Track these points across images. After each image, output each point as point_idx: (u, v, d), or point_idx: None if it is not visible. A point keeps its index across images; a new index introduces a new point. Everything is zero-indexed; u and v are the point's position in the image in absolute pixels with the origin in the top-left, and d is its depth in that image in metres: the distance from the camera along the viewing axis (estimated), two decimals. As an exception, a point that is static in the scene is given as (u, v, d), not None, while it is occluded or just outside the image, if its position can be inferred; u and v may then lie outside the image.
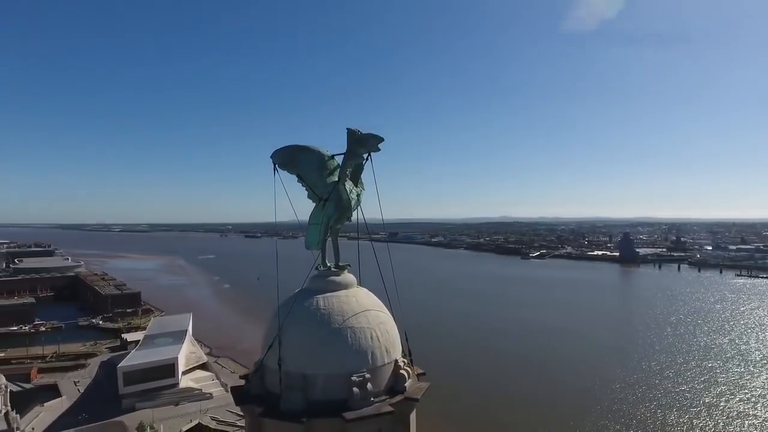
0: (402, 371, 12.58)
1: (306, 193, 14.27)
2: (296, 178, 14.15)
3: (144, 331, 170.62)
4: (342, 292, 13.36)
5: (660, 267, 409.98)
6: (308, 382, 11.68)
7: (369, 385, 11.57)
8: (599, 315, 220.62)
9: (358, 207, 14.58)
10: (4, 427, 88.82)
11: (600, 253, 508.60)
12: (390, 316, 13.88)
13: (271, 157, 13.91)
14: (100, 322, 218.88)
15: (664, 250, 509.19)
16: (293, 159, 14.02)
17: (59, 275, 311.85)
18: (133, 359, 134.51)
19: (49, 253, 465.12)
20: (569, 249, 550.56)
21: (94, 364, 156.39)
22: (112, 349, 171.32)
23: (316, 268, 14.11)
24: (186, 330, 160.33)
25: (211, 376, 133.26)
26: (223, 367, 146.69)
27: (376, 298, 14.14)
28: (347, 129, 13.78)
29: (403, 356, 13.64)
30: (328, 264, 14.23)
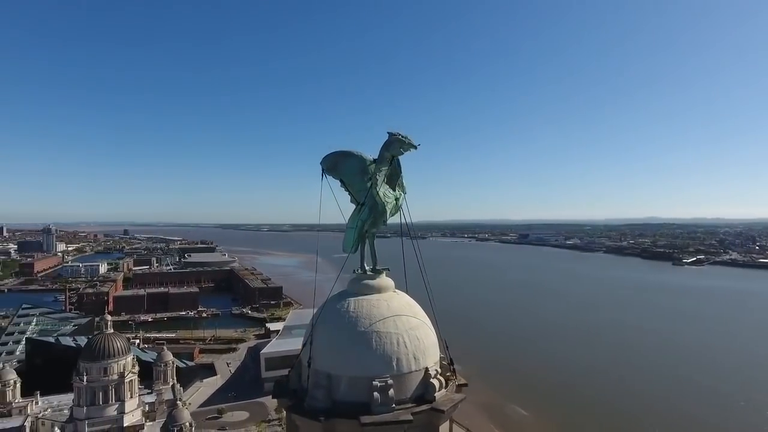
0: (433, 380, 12.10)
1: (349, 197, 14.48)
2: (339, 183, 14.46)
3: (284, 322, 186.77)
4: (374, 296, 13.34)
5: None
6: (333, 382, 11.93)
7: (391, 391, 11.35)
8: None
9: (399, 210, 14.42)
10: (170, 397, 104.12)
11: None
12: (425, 322, 13.42)
13: (320, 163, 14.46)
14: (249, 311, 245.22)
15: None
16: (336, 164, 14.34)
17: (218, 269, 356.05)
18: (274, 347, 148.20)
19: (211, 250, 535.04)
20: (734, 255, 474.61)
21: (243, 349, 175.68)
22: (258, 337, 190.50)
23: (354, 271, 14.29)
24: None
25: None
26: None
27: (413, 303, 13.82)
28: (388, 132, 13.75)
29: (441, 365, 13.14)
30: (366, 267, 14.28)
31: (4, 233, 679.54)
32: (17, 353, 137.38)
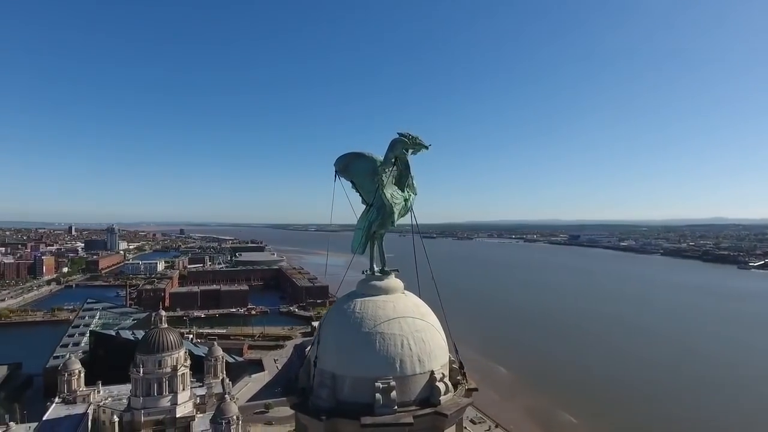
0: (438, 384, 11.92)
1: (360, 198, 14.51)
2: (350, 185, 14.51)
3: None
4: (381, 297, 13.29)
5: None
6: (337, 382, 12.03)
7: (393, 393, 11.30)
8: None
9: (409, 211, 14.33)
10: (220, 390, 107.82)
11: None
12: (432, 325, 13.22)
13: (334, 164, 14.60)
14: (296, 309, 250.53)
15: None
16: (348, 166, 14.44)
17: (267, 268, 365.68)
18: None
19: (261, 249, 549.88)
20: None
21: (289, 346, 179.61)
22: (304, 335, 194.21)
23: (363, 272, 14.28)
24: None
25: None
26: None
27: (422, 305, 13.66)
28: (398, 133, 13.72)
29: (452, 368, 12.91)
30: (376, 269, 14.24)
31: (73, 232, 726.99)
32: (82, 344, 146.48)
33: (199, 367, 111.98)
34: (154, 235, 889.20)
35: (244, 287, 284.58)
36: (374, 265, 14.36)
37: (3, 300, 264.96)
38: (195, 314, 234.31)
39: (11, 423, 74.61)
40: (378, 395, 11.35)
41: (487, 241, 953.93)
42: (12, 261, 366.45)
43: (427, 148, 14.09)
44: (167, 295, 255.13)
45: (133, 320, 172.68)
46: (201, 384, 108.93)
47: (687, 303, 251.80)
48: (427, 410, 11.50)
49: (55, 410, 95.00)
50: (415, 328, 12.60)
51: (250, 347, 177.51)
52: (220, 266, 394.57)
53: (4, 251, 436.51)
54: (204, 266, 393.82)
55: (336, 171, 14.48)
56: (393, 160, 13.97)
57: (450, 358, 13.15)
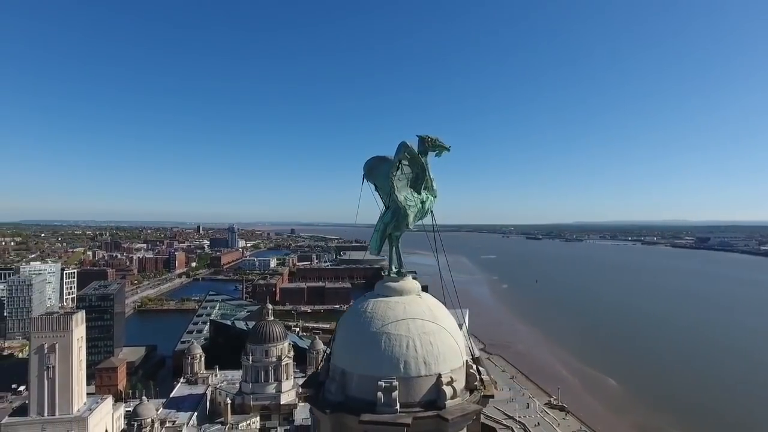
0: (445, 387, 11.63)
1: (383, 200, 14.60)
2: (374, 187, 14.63)
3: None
4: (393, 298, 13.30)
5: None
6: (346, 378, 12.34)
7: (395, 393, 11.31)
8: None
9: (427, 213, 14.18)
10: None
11: None
12: (444, 328, 12.87)
13: (363, 167, 14.86)
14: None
15: None
16: (372, 170, 14.65)
17: (369, 266, 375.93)
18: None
19: (364, 248, 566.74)
20: None
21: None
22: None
23: (381, 273, 14.27)
24: (462, 324, 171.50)
25: (483, 371, 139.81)
26: (495, 365, 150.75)
27: (436, 308, 13.42)
28: (417, 136, 13.62)
29: (469, 373, 12.43)
30: (393, 270, 14.21)
31: (200, 231, 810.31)
32: (204, 332, 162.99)
33: (302, 359, 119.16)
34: (269, 234, 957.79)
35: (347, 285, 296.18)
36: (392, 267, 14.52)
37: (139, 291, 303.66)
38: (302, 309, 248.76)
39: (144, 398, 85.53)
40: (380, 394, 11.55)
41: (599, 243, 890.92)
42: (151, 256, 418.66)
43: (447, 149, 14.08)
44: (278, 290, 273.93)
45: (247, 312, 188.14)
46: (304, 375, 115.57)
47: None
48: (429, 413, 11.44)
49: (180, 389, 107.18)
50: (423, 330, 12.56)
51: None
52: (326, 264, 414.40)
53: (146, 247, 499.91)
54: (311, 264, 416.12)
55: (363, 174, 14.89)
56: (398, 164, 14.03)
57: (468, 362, 12.90)
